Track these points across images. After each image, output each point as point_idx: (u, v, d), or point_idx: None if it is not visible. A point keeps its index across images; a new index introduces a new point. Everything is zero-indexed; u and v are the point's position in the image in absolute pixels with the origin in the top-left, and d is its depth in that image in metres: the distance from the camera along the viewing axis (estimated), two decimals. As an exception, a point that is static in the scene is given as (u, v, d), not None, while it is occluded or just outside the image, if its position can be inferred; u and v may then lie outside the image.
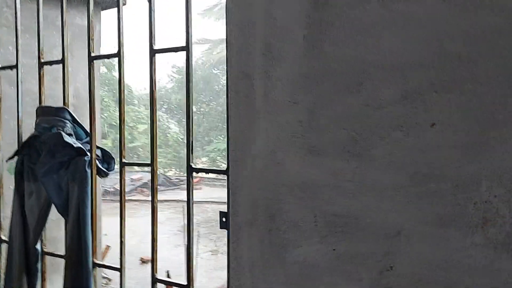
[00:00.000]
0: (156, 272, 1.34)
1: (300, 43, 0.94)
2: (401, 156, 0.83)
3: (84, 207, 1.42)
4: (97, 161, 1.49)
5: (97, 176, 1.51)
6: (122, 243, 1.41)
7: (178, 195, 12.85)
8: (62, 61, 1.53)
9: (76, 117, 1.55)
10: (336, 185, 0.90)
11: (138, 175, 14.69)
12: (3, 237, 1.78)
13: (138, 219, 8.96)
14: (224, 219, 1.13)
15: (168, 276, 5.27)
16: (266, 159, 1.00)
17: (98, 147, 1.54)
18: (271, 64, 0.98)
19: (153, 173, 1.28)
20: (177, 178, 16.86)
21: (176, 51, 1.23)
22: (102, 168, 1.50)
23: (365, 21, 0.86)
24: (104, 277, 5.36)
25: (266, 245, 1.00)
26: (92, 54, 1.44)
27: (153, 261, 1.33)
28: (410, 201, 0.82)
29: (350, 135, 0.88)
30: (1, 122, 1.79)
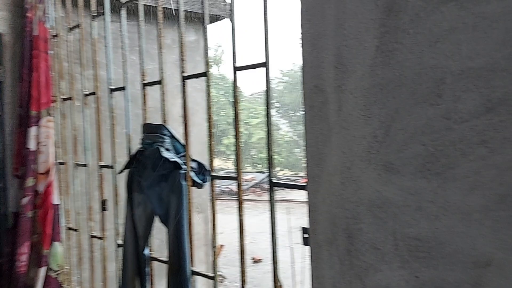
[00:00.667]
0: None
1: (373, 53, 0.88)
2: (488, 175, 0.73)
3: (181, 217, 1.51)
4: (193, 173, 1.58)
5: (195, 187, 1.60)
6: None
7: (288, 194, 13.01)
8: (160, 82, 1.64)
9: (173, 133, 1.66)
10: (417, 206, 0.83)
11: (251, 176, 15.21)
12: (120, 242, 1.98)
13: (250, 218, 9.26)
14: (305, 235, 1.11)
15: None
16: (342, 176, 0.96)
17: (194, 160, 1.63)
18: (343, 77, 0.94)
19: (239, 187, 1.32)
20: (287, 178, 17.08)
21: (255, 68, 1.25)
22: (198, 180, 1.58)
23: (443, 26, 0.78)
24: (219, 275, 5.67)
25: (346, 267, 0.96)
26: (184, 75, 1.53)
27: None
28: (501, 227, 0.72)
29: (430, 151, 0.80)
30: (115, 137, 1.99)
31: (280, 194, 13.86)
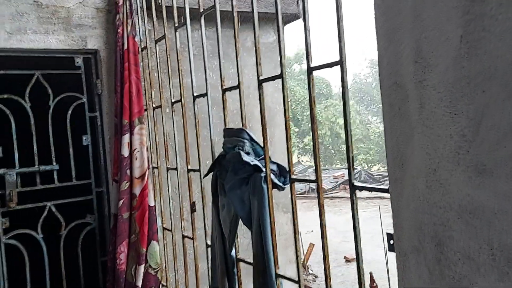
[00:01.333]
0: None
1: (457, 44, 0.80)
2: None
3: (263, 219, 1.52)
4: (273, 176, 1.58)
5: (276, 189, 1.59)
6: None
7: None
8: (238, 87, 1.67)
9: (253, 136, 1.67)
10: (515, 212, 0.74)
11: (340, 172, 14.92)
12: (209, 242, 2.05)
13: (340, 216, 9.08)
14: (392, 242, 1.05)
15: (371, 278, 5.18)
16: (428, 179, 0.88)
17: (274, 163, 1.62)
18: (425, 71, 0.86)
19: (318, 190, 1.28)
20: (379, 174, 16.46)
21: (331, 66, 1.21)
22: (278, 182, 1.57)
23: (538, 7, 0.68)
24: (310, 274, 5.64)
25: (437, 277, 0.89)
26: (260, 78, 1.53)
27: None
28: None
29: (529, 150, 0.71)
30: (199, 142, 2.06)
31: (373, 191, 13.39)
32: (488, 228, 0.78)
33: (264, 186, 1.55)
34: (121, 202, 2.47)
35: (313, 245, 6.27)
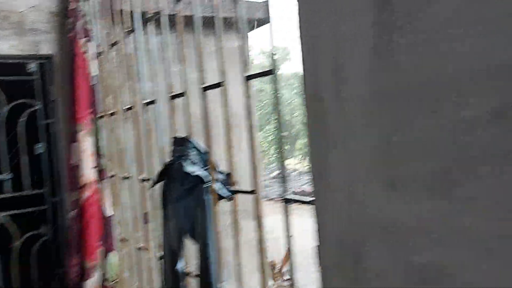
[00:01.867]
0: None
1: (368, 55, 0.77)
2: (502, 196, 0.60)
3: (206, 232, 1.48)
4: (219, 186, 1.54)
5: (223, 199, 1.55)
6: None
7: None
8: (183, 94, 1.62)
9: (196, 145, 1.63)
10: (425, 230, 0.71)
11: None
12: (161, 254, 2.00)
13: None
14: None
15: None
16: (346, 193, 0.86)
17: (222, 172, 1.58)
18: (341, 83, 0.84)
19: (257, 201, 1.25)
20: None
21: (266, 75, 1.17)
22: (221, 193, 1.53)
23: (442, 19, 0.65)
24: (286, 280, 5.61)
25: (357, 293, 0.86)
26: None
27: None
28: (521, 260, 0.59)
29: (435, 167, 0.68)
30: (151, 151, 2.01)
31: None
32: (401, 246, 0.76)
33: (207, 197, 1.51)
34: (72, 212, 2.39)
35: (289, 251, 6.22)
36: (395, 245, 0.76)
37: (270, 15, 1.23)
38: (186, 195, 1.57)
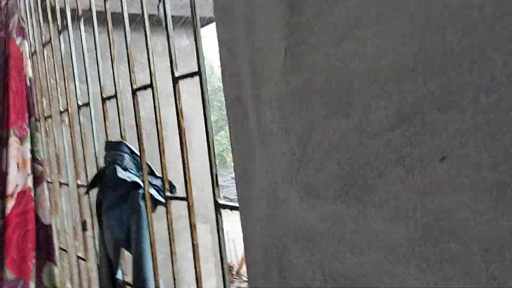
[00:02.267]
0: None
1: (283, 57, 0.74)
2: (409, 201, 0.59)
3: (140, 240, 1.41)
4: (154, 192, 1.48)
5: (161, 205, 1.49)
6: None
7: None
8: (115, 96, 1.54)
9: (133, 149, 1.56)
10: (341, 236, 0.69)
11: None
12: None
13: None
14: (250, 263, 0.99)
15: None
16: (269, 200, 0.83)
17: (158, 177, 1.52)
18: (259, 86, 0.81)
19: (189, 209, 1.20)
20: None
21: (192, 76, 1.13)
22: (158, 198, 1.48)
23: (347, 21, 0.63)
24: (244, 281, 5.60)
25: (282, 302, 0.83)
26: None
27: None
28: (429, 266, 0.58)
29: (346, 171, 0.66)
30: (85, 156, 1.91)
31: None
32: (321, 253, 0.73)
33: (142, 203, 1.44)
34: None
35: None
36: (316, 253, 0.74)
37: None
38: (120, 202, 1.50)
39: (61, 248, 2.43)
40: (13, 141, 2.19)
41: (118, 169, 1.47)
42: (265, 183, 0.83)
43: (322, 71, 0.68)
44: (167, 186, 1.36)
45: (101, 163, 1.78)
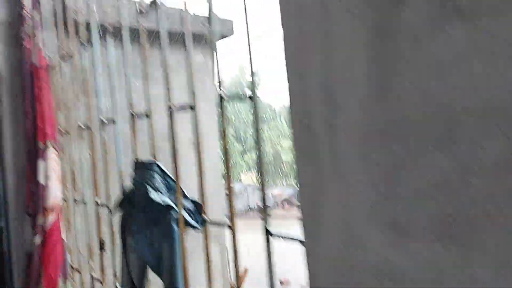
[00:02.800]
0: None
1: (366, 85, 0.71)
2: (526, 248, 0.55)
3: (173, 266, 1.36)
4: (187, 215, 1.43)
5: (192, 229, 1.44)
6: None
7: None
8: (147, 116, 1.50)
9: (165, 170, 1.51)
10: (438, 282, 0.65)
11: (277, 190, 14.98)
12: (119, 287, 1.84)
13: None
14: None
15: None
16: (342, 234, 0.78)
17: (189, 199, 1.47)
18: (335, 114, 0.77)
19: (234, 236, 1.15)
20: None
21: (244, 100, 1.09)
22: (191, 222, 1.43)
23: (450, 52, 0.60)
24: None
25: None
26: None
27: None
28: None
29: (446, 211, 0.62)
30: (108, 173, 1.86)
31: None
32: (405, 295, 0.69)
33: (175, 226, 1.39)
34: (37, 238, 2.17)
35: (247, 269, 6.09)
36: (398, 294, 0.70)
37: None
38: (151, 224, 1.45)
39: (72, 267, 2.35)
40: (51, 153, 2.14)
41: (151, 190, 1.42)
42: (339, 218, 0.78)
43: (419, 104, 0.64)
44: (203, 209, 1.31)
45: (126, 182, 1.73)
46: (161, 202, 1.40)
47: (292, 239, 0.98)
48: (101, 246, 1.96)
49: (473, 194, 0.59)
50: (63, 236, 2.28)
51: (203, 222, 1.45)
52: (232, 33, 3.35)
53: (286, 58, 0.86)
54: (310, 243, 0.84)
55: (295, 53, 0.85)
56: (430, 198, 0.64)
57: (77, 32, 2.08)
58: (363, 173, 0.73)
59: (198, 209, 1.48)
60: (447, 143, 0.61)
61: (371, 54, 0.70)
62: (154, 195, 1.41)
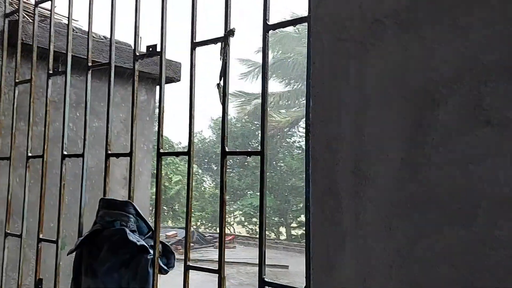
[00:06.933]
0: None
1: (397, 165, 0.86)
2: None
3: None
4: (159, 260, 1.43)
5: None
6: None
7: (211, 254, 12.59)
8: (129, 154, 1.52)
9: (140, 211, 1.51)
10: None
11: (173, 232, 14.60)
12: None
13: (176, 277, 8.70)
14: None
15: None
16: (358, 286, 0.90)
17: (160, 242, 1.48)
18: (363, 183, 0.91)
19: (220, 282, 1.20)
20: (210, 235, 16.59)
21: (250, 155, 1.19)
22: (162, 265, 1.43)
23: (477, 150, 0.78)
24: None
25: None
26: (161, 151, 1.42)
27: None
28: None
29: (463, 275, 0.78)
30: (62, 208, 1.78)
31: (203, 253, 13.39)
32: None
33: (151, 270, 1.39)
34: None
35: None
36: None
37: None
38: (121, 266, 1.42)
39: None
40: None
41: (128, 231, 1.41)
42: (355, 273, 0.90)
43: (444, 185, 0.81)
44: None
45: (84, 219, 1.67)
46: (141, 243, 1.39)
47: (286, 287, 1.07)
48: (39, 286, 1.82)
49: (489, 264, 0.75)
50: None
51: (171, 264, 1.47)
52: (179, 79, 3.41)
53: (313, 126, 0.99)
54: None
55: (324, 125, 0.98)
56: (447, 262, 0.80)
57: (41, 58, 2.02)
58: (386, 236, 0.87)
59: (164, 251, 1.49)
60: (468, 219, 0.78)
61: (405, 141, 0.86)
62: (131, 236, 1.40)
